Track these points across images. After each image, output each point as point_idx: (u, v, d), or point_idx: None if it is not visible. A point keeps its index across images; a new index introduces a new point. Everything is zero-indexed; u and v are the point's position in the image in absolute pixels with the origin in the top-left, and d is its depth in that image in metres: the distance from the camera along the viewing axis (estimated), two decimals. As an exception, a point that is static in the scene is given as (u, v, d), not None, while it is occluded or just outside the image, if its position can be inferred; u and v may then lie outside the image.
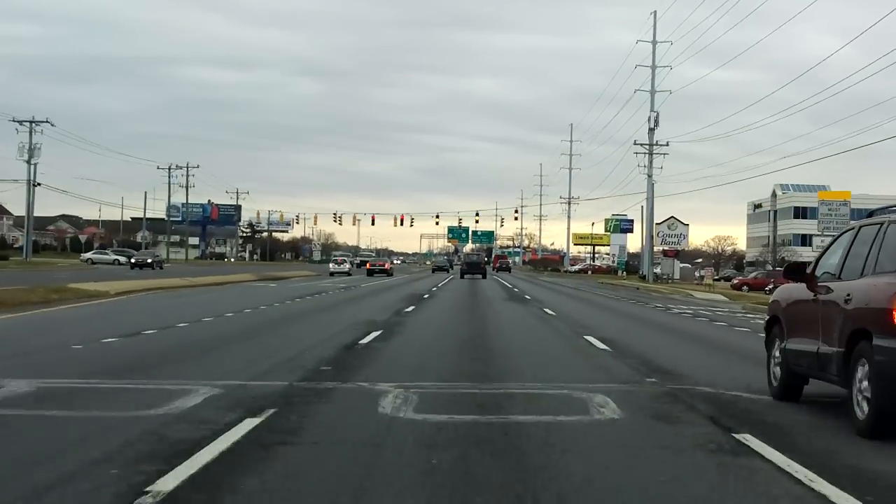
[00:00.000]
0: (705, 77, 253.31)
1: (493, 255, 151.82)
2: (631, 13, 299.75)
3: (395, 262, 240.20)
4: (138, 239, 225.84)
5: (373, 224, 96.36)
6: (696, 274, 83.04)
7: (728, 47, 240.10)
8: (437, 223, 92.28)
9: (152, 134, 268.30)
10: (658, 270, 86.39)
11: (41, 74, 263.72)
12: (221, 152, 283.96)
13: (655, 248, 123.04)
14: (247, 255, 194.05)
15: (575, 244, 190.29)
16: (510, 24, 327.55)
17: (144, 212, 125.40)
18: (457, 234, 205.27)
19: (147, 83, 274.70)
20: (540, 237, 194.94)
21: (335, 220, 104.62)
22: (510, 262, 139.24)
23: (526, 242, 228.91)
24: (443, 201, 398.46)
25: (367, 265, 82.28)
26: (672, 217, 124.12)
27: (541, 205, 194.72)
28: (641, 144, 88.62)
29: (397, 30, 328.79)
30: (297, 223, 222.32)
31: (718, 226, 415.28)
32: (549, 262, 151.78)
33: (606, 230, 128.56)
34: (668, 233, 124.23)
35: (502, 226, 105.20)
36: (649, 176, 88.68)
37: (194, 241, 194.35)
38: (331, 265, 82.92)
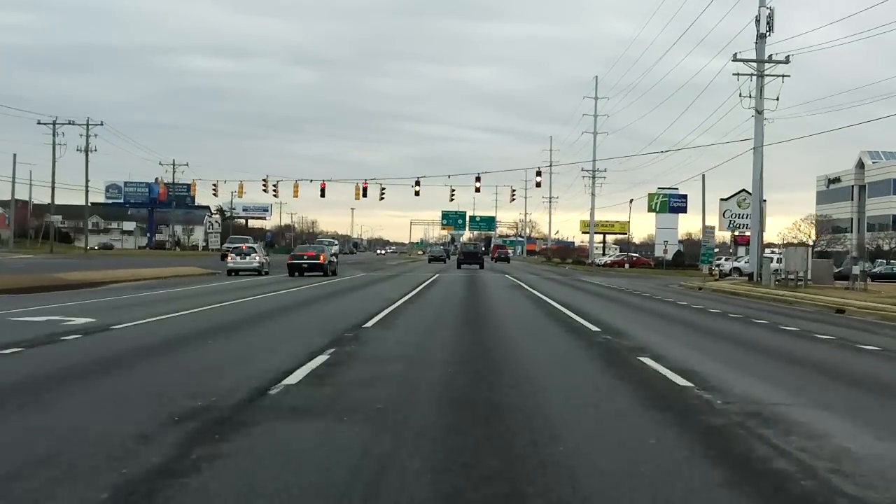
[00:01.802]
0: (691, 66, 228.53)
1: (491, 245, 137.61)
2: (626, 2, 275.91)
3: (379, 252, 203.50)
4: (90, 225, 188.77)
5: (322, 195, 61.05)
6: (859, 270, 45.99)
7: (721, 37, 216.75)
8: (416, 192, 55.89)
9: (147, 123, 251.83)
10: (777, 265, 49.59)
11: (36, 64, 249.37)
12: (216, 141, 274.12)
13: (718, 232, 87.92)
14: (202, 243, 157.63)
15: (583, 232, 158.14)
16: (506, 12, 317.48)
17: (13, 188, 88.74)
18: (452, 219, 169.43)
19: (141, 72, 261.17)
20: (550, 223, 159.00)
21: (265, 189, 68.33)
22: (509, 251, 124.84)
23: (527, 232, 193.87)
24: (439, 191, 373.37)
25: (290, 258, 46.32)
26: (743, 191, 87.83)
27: (551, 185, 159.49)
28: (744, 61, 52.36)
29: (392, 18, 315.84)
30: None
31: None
32: (567, 253, 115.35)
33: (651, 209, 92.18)
34: (738, 211, 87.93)
35: (513, 199, 70.06)
36: (759, 112, 52.29)
37: (130, 226, 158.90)
38: (229, 259, 47.00)
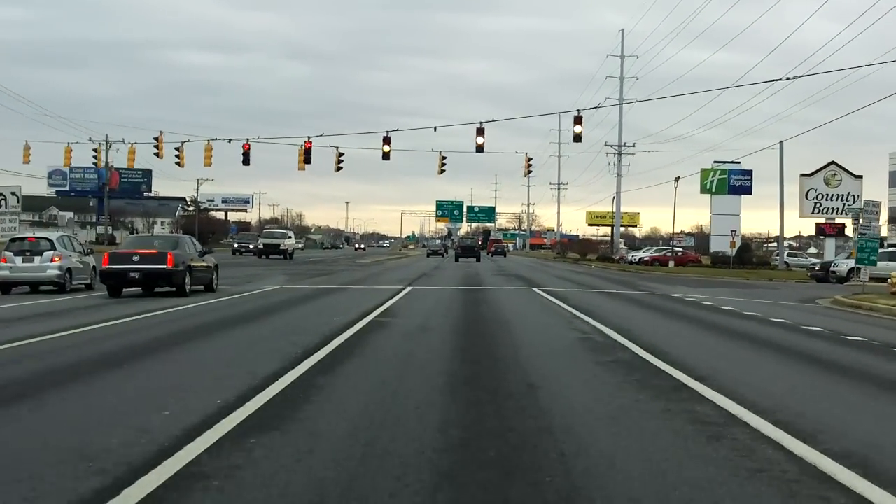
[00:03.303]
0: (689, 61, 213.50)
1: (489, 239, 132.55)
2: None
3: (357, 246, 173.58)
4: (47, 217, 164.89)
5: (246, 162, 36.08)
6: None
7: (720, 30, 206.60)
8: (385, 154, 31.13)
9: (140, 118, 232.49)
10: None
11: (30, 59, 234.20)
12: (209, 136, 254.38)
13: (800, 219, 65.81)
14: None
15: (589, 224, 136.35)
16: (499, 5, 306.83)
17: None
18: (448, 210, 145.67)
19: (135, 67, 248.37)
20: (558, 212, 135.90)
21: (157, 153, 44.18)
22: (505, 245, 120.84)
23: (528, 224, 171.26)
24: (435, 185, 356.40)
25: (105, 259, 22.46)
26: (833, 163, 64.23)
27: (559, 171, 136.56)
28: None
29: (385, 12, 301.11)
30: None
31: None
32: (588, 248, 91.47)
33: (704, 189, 68.27)
34: (827, 191, 64.36)
35: (529, 172, 44.43)
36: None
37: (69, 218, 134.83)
38: (2, 262, 23.23)
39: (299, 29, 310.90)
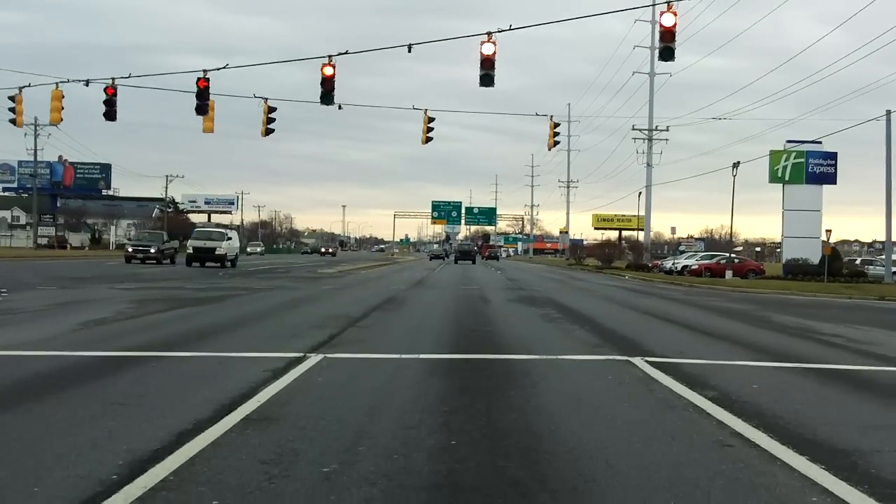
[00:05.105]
0: (693, 65, 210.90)
1: (484, 244, 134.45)
2: (618, 1, 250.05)
3: (322, 250, 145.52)
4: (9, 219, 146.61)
5: (110, 117, 18.83)
6: None
7: (716, 35, 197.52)
8: (325, 93, 13.09)
9: (138, 123, 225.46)
10: None
11: (23, 62, 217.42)
12: (206, 141, 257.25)
13: None
14: (119, 240, 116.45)
15: (595, 228, 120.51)
16: (496, 11, 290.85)
17: None
18: (445, 212, 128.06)
19: (128, 71, 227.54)
20: (568, 212, 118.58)
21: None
22: (498, 251, 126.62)
23: (531, 228, 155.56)
24: (433, 190, 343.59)
25: None
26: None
27: (569, 167, 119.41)
28: None
29: (382, 18, 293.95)
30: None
31: (710, 214, 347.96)
32: (614, 252, 74.06)
33: (774, 177, 50.74)
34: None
35: (556, 143, 26.96)
36: None
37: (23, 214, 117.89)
38: None
39: (295, 34, 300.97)
